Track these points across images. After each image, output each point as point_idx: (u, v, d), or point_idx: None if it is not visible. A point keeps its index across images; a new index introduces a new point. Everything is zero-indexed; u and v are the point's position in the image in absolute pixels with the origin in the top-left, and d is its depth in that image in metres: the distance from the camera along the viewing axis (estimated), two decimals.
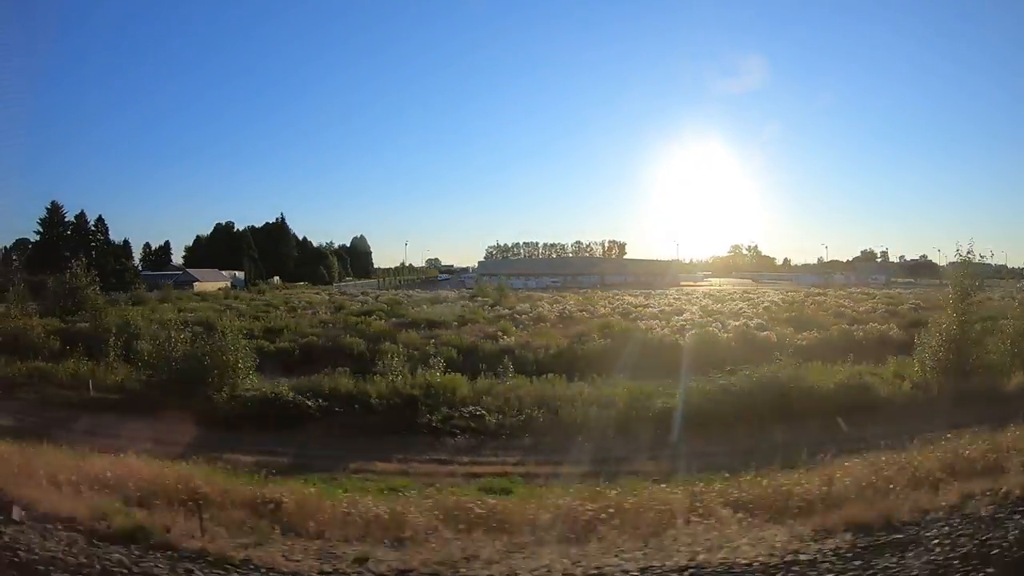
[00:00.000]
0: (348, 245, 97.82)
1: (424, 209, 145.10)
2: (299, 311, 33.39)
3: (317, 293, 57.14)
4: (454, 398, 13.50)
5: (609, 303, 34.77)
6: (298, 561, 4.79)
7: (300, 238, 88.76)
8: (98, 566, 4.46)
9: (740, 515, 5.53)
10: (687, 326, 23.30)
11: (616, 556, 4.78)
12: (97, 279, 41.42)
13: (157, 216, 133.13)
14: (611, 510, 5.66)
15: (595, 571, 4.49)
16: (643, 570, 4.48)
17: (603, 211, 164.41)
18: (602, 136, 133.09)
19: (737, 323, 23.66)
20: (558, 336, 22.09)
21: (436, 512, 5.85)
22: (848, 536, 4.92)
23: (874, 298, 36.37)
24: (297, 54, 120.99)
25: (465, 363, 18.25)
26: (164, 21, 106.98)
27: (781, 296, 39.24)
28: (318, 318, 28.84)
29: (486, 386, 14.21)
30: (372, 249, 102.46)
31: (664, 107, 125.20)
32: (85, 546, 4.73)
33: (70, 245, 65.46)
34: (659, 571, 4.46)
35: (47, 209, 65.19)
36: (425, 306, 33.13)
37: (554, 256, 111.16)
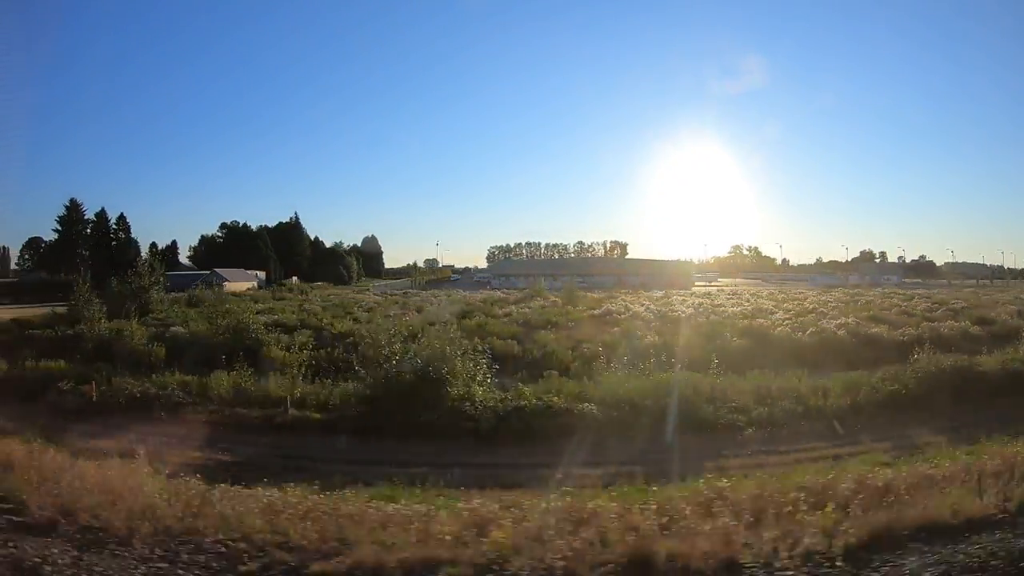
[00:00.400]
0: (359, 245, 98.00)
1: (424, 209, 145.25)
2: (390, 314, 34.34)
3: (359, 292, 57.69)
4: (725, 396, 14.88)
5: (667, 303, 36.60)
6: None
7: (312, 238, 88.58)
8: None
9: None
10: (799, 325, 26.00)
11: None
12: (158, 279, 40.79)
13: (156, 215, 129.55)
14: None
15: None
16: None
17: (603, 211, 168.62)
18: (600, 136, 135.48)
19: (840, 321, 26.55)
20: (693, 336, 24.33)
21: None
22: None
23: (911, 299, 39.20)
24: (296, 50, 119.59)
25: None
26: (164, 20, 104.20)
27: (821, 297, 42.20)
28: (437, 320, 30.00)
29: (727, 383, 16.11)
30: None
31: (663, 107, 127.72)
32: None
33: (90, 243, 63.99)
34: None
35: (65, 207, 63.64)
36: (513, 308, 34.84)
37: (556, 256, 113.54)
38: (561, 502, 5.42)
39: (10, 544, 4.13)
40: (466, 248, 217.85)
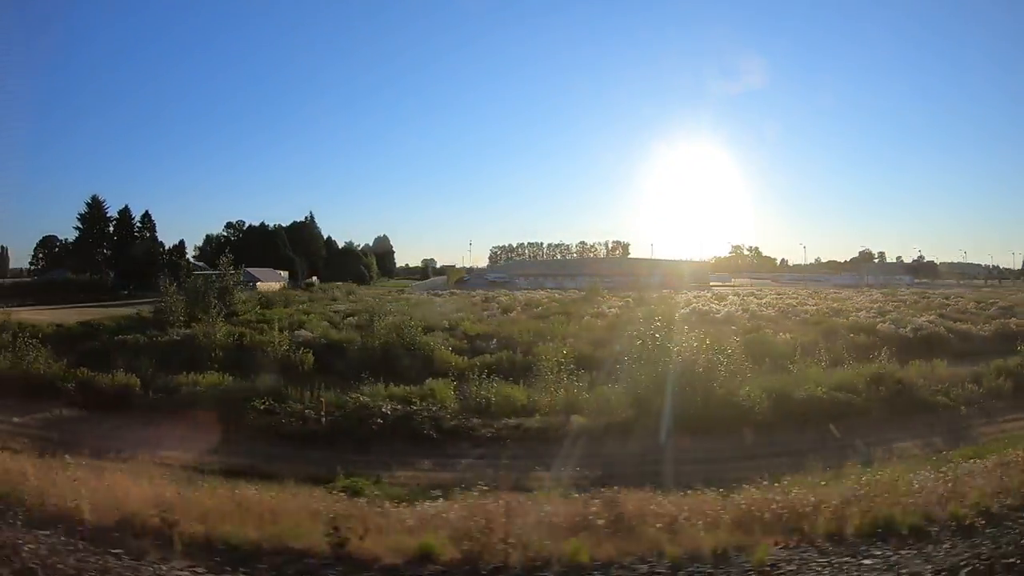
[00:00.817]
0: (371, 244, 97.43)
1: (420, 209, 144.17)
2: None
3: (400, 292, 57.63)
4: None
5: (728, 303, 38.68)
6: None
7: (325, 237, 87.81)
8: None
9: None
10: (892, 322, 28.81)
11: None
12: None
13: (156, 215, 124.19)
14: None
15: None
16: None
17: (603, 212, 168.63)
18: (600, 136, 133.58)
19: (925, 319, 29.54)
20: (812, 333, 26.67)
21: None
22: None
23: (948, 299, 42.31)
24: (296, 49, 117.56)
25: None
26: (162, 21, 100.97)
27: (859, 297, 45.11)
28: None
29: (910, 371, 18.52)
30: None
31: (662, 107, 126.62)
32: None
33: (113, 242, 62.08)
34: None
35: (87, 204, 61.39)
36: (603, 307, 36.62)
37: (558, 256, 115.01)
38: None
39: None
40: (465, 249, 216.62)
